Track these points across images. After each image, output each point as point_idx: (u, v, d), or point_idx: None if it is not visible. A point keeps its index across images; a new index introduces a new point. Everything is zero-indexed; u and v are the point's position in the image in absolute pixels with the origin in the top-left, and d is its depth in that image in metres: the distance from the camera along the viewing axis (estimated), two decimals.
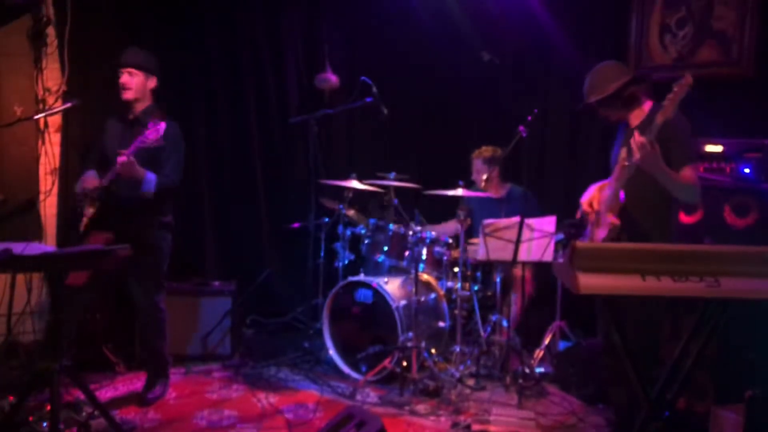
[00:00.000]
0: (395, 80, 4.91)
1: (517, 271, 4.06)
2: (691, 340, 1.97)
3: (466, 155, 4.44)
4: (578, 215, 3.00)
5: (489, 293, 4.21)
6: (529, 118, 3.49)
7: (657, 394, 1.97)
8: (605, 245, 2.43)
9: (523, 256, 3.62)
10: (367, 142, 5.23)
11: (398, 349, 3.67)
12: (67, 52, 4.23)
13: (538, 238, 3.64)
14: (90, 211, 3.37)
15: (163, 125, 3.16)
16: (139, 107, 3.47)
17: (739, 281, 1.71)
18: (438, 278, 4.16)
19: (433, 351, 3.84)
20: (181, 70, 4.72)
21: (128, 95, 3.42)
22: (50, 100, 4.23)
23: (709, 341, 1.96)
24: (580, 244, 1.74)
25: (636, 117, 2.86)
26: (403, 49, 5.03)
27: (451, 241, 4.13)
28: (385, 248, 4.05)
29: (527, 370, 3.74)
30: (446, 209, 4.43)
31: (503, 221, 3.77)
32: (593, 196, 2.91)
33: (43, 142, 4.25)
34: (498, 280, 3.99)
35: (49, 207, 4.24)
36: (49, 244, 4.12)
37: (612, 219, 2.69)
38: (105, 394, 3.56)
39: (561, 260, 1.88)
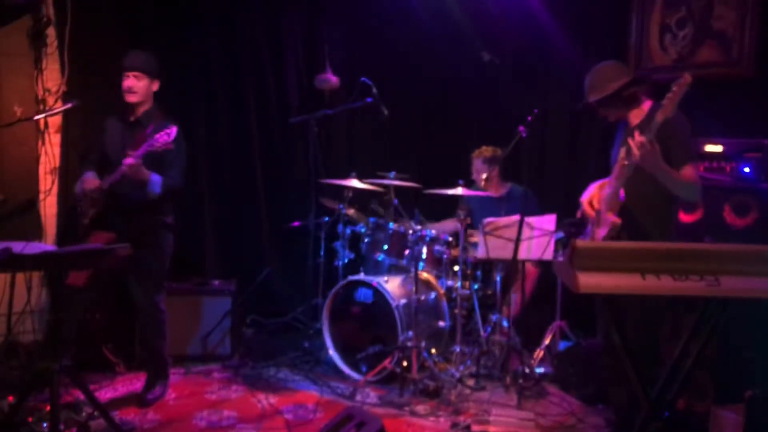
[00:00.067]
0: (395, 80, 4.91)
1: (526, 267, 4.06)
2: (691, 339, 1.97)
3: (466, 155, 4.44)
4: (579, 214, 3.00)
5: (489, 292, 4.21)
6: (529, 118, 3.49)
7: (657, 394, 1.97)
8: (605, 244, 2.43)
9: (523, 254, 3.62)
10: (367, 142, 5.23)
11: (398, 349, 3.67)
12: (67, 53, 4.23)
13: (538, 237, 3.64)
14: (91, 211, 3.37)
15: (174, 130, 3.18)
16: (141, 109, 3.47)
17: (739, 280, 1.71)
18: (438, 277, 4.16)
19: (433, 351, 3.84)
20: (181, 70, 4.72)
21: (133, 98, 3.42)
22: (50, 100, 4.23)
23: (709, 341, 1.96)
24: (580, 243, 1.74)
25: (635, 116, 2.86)
26: (403, 49, 5.03)
27: (451, 239, 4.12)
28: (385, 247, 4.05)
29: (527, 370, 3.73)
30: (446, 208, 4.43)
31: (503, 220, 3.77)
32: (593, 194, 2.91)
33: (43, 142, 4.25)
34: (498, 278, 3.99)
35: (49, 207, 4.24)
36: (48, 244, 4.12)
37: (612, 218, 2.69)
38: (105, 394, 3.56)
39: (561, 259, 1.88)
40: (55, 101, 4.22)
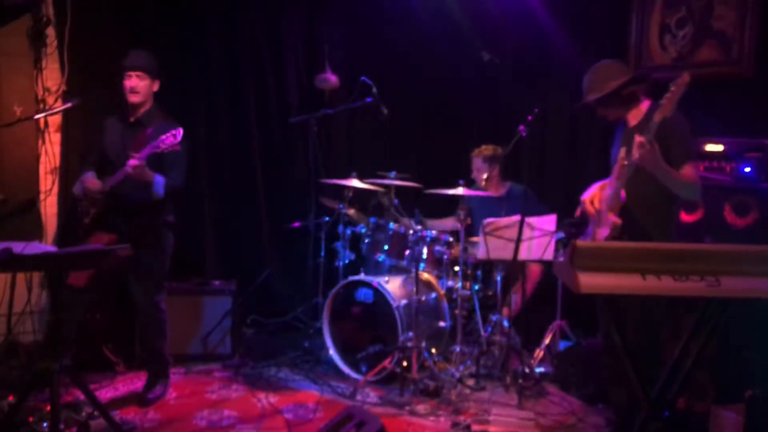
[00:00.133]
0: (395, 80, 4.91)
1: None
2: (691, 340, 1.97)
3: (466, 155, 4.44)
4: (578, 213, 3.00)
5: (490, 292, 4.21)
6: (529, 118, 3.49)
7: (657, 394, 1.97)
8: (605, 244, 2.44)
9: (523, 255, 3.62)
10: (367, 141, 5.23)
11: (398, 349, 3.67)
12: (66, 52, 4.23)
13: (538, 237, 3.64)
14: (92, 211, 3.38)
15: (180, 131, 3.17)
16: (142, 109, 3.47)
17: (739, 280, 1.71)
18: (438, 277, 4.16)
19: (433, 351, 3.84)
20: (181, 70, 4.72)
21: (136, 98, 3.42)
22: (50, 100, 4.23)
23: (709, 341, 1.96)
24: (581, 243, 1.74)
25: (634, 116, 2.87)
26: (403, 49, 5.03)
27: (451, 239, 4.12)
28: (386, 247, 4.05)
29: (527, 370, 3.74)
30: (446, 208, 4.43)
31: (503, 220, 3.77)
32: (594, 194, 2.90)
33: (43, 142, 4.25)
34: (499, 279, 3.99)
35: (49, 207, 4.24)
36: (49, 244, 4.12)
37: (613, 218, 2.69)
38: (105, 394, 3.56)
39: (561, 259, 1.88)
40: (55, 101, 4.22)
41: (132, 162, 3.15)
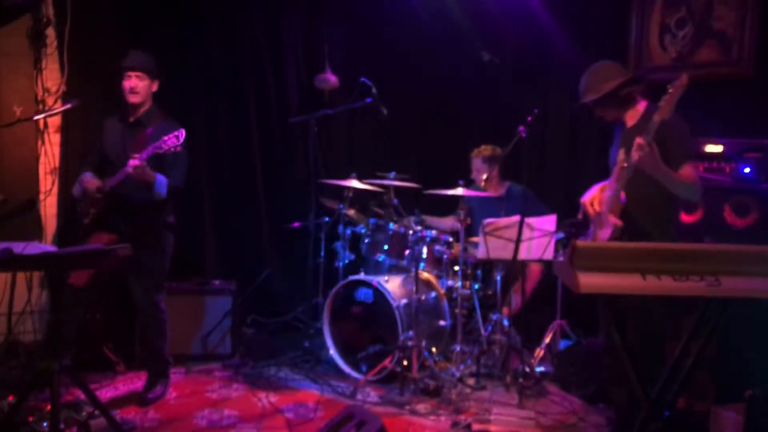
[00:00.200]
0: (395, 80, 4.91)
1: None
2: (691, 340, 1.97)
3: (466, 155, 4.44)
4: (580, 216, 3.00)
5: (490, 292, 4.21)
6: (529, 118, 3.49)
7: (657, 394, 1.98)
8: (605, 244, 2.44)
9: (523, 254, 3.63)
10: (367, 142, 5.23)
11: (399, 348, 3.67)
12: (66, 53, 4.23)
13: (538, 237, 3.65)
14: (92, 211, 3.38)
15: (182, 132, 3.17)
16: (142, 109, 3.47)
17: (739, 280, 1.71)
18: (438, 277, 4.16)
19: (433, 350, 3.85)
20: (181, 70, 4.72)
21: (136, 99, 3.42)
22: (50, 100, 4.23)
23: (709, 341, 1.96)
24: (581, 243, 1.74)
25: (631, 117, 2.87)
26: (403, 49, 5.03)
27: (451, 239, 4.13)
28: (385, 247, 4.05)
29: (528, 370, 3.74)
30: (446, 208, 4.44)
31: (503, 220, 3.77)
32: (594, 196, 2.90)
33: (43, 143, 4.25)
34: (498, 278, 3.99)
35: (49, 207, 4.24)
36: (49, 244, 4.12)
37: (614, 220, 2.69)
38: (105, 393, 3.56)
39: (561, 259, 1.88)
40: (55, 101, 4.22)
41: (132, 162, 3.15)
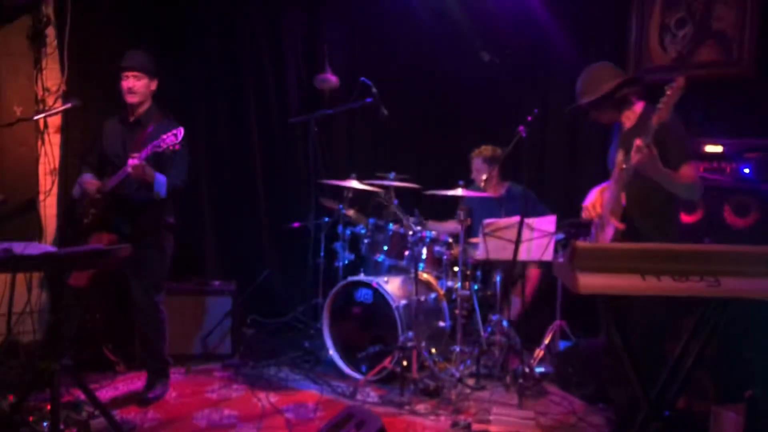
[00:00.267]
0: (395, 80, 4.92)
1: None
2: (691, 340, 1.97)
3: (466, 155, 4.45)
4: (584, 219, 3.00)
5: (489, 293, 4.21)
6: (529, 118, 3.49)
7: (657, 394, 1.98)
8: (605, 245, 2.44)
9: (523, 255, 3.62)
10: (367, 142, 5.24)
11: (398, 348, 3.67)
12: (66, 53, 4.22)
13: (538, 238, 3.65)
14: (91, 211, 3.37)
15: (181, 131, 3.17)
16: (141, 109, 3.47)
17: (739, 281, 1.71)
18: (438, 278, 4.16)
19: (433, 351, 3.84)
20: (181, 70, 4.72)
21: (134, 99, 3.42)
22: (50, 100, 4.22)
23: (709, 341, 1.96)
24: (580, 243, 1.74)
25: (627, 118, 2.87)
26: (403, 49, 5.04)
27: (451, 240, 4.13)
28: (385, 248, 4.05)
29: (527, 370, 3.74)
30: (446, 209, 4.43)
31: (503, 221, 3.77)
32: (596, 199, 2.90)
33: (43, 142, 4.25)
34: (498, 279, 3.99)
35: (49, 207, 4.24)
36: (49, 244, 4.12)
37: (615, 223, 2.69)
38: (105, 393, 3.56)
39: (561, 260, 1.88)
40: (55, 101, 4.22)
41: (132, 161, 3.15)
